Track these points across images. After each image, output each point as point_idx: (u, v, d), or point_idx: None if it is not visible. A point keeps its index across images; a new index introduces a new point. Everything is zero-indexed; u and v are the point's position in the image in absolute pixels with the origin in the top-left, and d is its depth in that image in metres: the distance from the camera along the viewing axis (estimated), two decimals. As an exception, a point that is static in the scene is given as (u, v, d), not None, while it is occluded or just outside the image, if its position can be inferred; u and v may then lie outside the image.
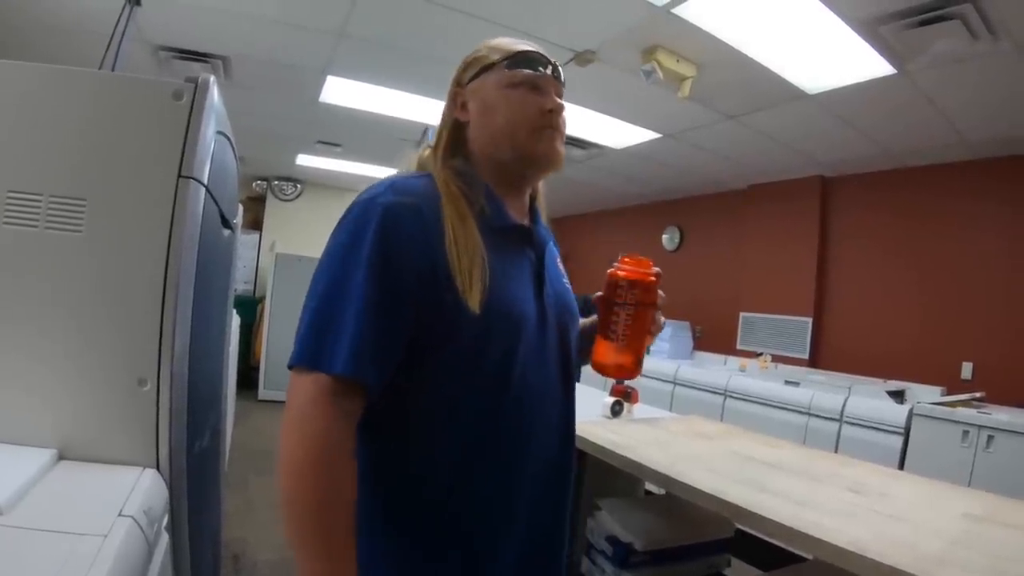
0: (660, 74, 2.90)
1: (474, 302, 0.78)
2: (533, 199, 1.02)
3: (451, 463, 0.82)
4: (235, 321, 4.16)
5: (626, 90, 3.42)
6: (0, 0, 2.87)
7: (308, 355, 0.74)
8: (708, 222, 5.88)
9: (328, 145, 5.52)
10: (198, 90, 1.07)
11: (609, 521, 1.81)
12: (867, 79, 2.91)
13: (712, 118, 3.78)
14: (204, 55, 3.36)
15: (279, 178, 7.43)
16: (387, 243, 0.77)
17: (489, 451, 0.83)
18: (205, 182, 1.12)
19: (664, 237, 6.28)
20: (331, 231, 0.83)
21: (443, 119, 0.98)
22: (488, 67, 0.93)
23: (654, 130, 4.18)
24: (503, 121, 0.90)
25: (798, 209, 4.82)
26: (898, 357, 4.11)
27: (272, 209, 7.57)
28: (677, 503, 1.37)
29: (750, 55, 2.84)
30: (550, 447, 0.90)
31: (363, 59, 3.40)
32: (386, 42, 3.14)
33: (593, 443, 1.83)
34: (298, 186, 7.55)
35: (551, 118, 0.91)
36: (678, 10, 2.50)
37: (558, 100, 0.93)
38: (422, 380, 0.81)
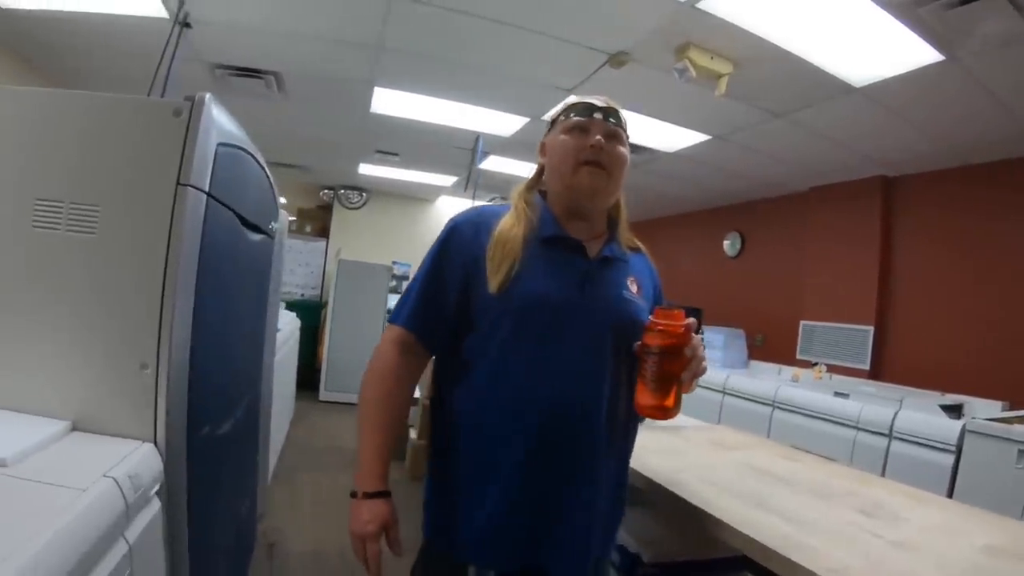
0: (693, 72, 2.87)
1: (493, 286, 1.07)
2: (616, 223, 1.26)
3: (467, 410, 1.12)
4: (294, 323, 4.40)
5: (666, 91, 3.39)
6: (63, 33, 3.20)
7: (392, 314, 1.19)
8: (769, 227, 5.70)
9: (386, 154, 5.73)
10: (195, 107, 1.19)
11: (619, 531, 1.81)
12: (915, 67, 2.76)
13: (758, 117, 3.69)
14: (258, 71, 3.60)
15: (345, 187, 7.73)
16: (447, 245, 1.15)
17: (494, 403, 1.09)
18: (206, 189, 1.24)
19: (725, 243, 6.14)
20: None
21: (537, 166, 1.28)
22: (555, 121, 1.22)
23: (702, 131, 4.12)
24: (556, 161, 1.18)
25: (860, 211, 4.62)
26: (962, 368, 3.85)
27: (339, 217, 7.88)
28: (696, 515, 1.36)
29: (787, 48, 2.77)
30: (564, 406, 1.08)
31: (405, 70, 3.54)
32: (423, 52, 3.26)
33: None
34: (363, 194, 7.83)
35: (591, 153, 1.13)
36: (702, 5, 2.48)
37: (599, 138, 1.13)
38: (465, 346, 1.13)
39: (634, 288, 1.21)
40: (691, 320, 1.06)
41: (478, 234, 1.13)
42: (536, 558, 1.09)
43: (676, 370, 1.04)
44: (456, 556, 1.10)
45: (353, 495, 1.10)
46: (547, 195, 1.23)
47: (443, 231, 1.18)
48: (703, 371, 1.08)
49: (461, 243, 1.14)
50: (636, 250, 1.31)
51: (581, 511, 1.10)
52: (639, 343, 1.07)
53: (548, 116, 1.30)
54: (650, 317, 1.07)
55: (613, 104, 1.20)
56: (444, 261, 1.14)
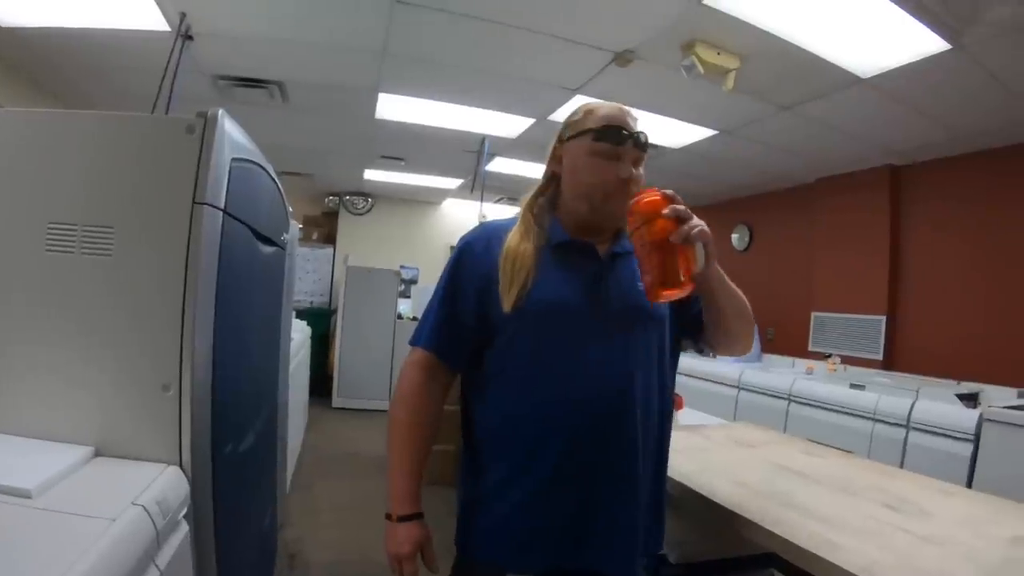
0: (700, 68, 2.85)
1: (507, 304, 1.08)
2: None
3: (495, 423, 1.14)
4: (304, 332, 4.40)
5: (673, 88, 3.38)
6: (64, 49, 3.20)
7: (412, 336, 1.20)
8: (777, 219, 5.67)
9: (391, 160, 5.73)
10: (208, 123, 1.18)
11: (644, 532, 1.80)
12: (921, 56, 2.74)
13: (766, 111, 3.67)
14: (260, 81, 3.60)
15: (350, 193, 7.74)
16: (459, 265, 1.17)
17: (522, 415, 1.10)
18: (222, 206, 1.23)
19: (734, 237, 6.11)
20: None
21: (546, 167, 1.24)
22: (582, 133, 1.15)
23: (709, 127, 4.11)
24: (585, 185, 1.14)
25: (868, 201, 4.59)
26: (976, 356, 3.82)
27: (345, 223, 7.90)
28: (721, 514, 1.35)
29: (793, 41, 2.75)
30: (594, 406, 1.08)
31: (409, 75, 3.53)
32: (427, 57, 3.25)
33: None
34: (369, 200, 7.84)
35: (625, 186, 1.11)
36: (708, 1, 2.47)
37: (634, 170, 1.12)
38: (486, 361, 1.15)
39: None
40: (666, 192, 1.02)
41: (489, 251, 1.14)
42: (580, 560, 1.08)
43: (662, 237, 0.98)
44: (493, 563, 1.11)
45: (388, 517, 1.13)
46: (559, 204, 1.21)
47: (455, 251, 1.20)
48: (698, 232, 1.00)
49: (473, 262, 1.15)
50: None
51: (623, 509, 1.10)
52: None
53: (564, 118, 1.22)
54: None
55: (636, 120, 1.17)
56: (457, 281, 1.16)
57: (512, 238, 1.14)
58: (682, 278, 0.98)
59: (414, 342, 1.18)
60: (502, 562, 1.10)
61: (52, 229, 1.15)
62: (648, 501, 1.16)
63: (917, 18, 2.43)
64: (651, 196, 1.01)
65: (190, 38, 2.39)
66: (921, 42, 2.62)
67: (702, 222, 1.01)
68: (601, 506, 1.08)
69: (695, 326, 1.22)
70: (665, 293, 0.99)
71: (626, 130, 1.12)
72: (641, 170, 1.16)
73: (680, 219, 0.99)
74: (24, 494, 0.89)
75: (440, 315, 1.16)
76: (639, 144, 1.13)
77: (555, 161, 1.21)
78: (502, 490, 1.11)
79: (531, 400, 1.09)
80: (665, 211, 0.99)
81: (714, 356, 1.19)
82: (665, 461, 1.25)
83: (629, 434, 1.10)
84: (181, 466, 1.14)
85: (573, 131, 1.17)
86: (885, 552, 1.10)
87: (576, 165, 1.16)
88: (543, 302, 1.09)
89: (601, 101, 1.23)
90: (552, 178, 1.22)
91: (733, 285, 1.14)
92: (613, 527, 1.09)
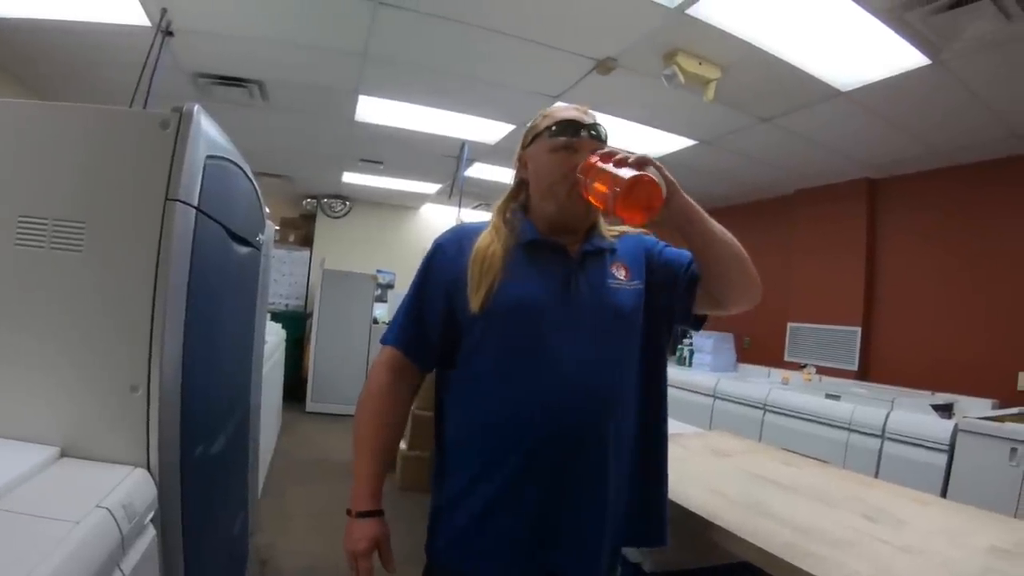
0: (681, 78, 2.88)
1: (475, 305, 1.08)
2: (596, 223, 1.22)
3: (464, 425, 1.14)
4: (279, 335, 4.34)
5: (654, 97, 3.40)
6: (40, 41, 3.14)
7: (384, 334, 1.21)
8: (756, 230, 5.71)
9: (370, 163, 5.69)
10: (183, 119, 1.15)
11: (620, 540, 1.79)
12: (900, 71, 2.79)
13: (746, 122, 3.71)
14: (240, 80, 3.55)
15: (328, 196, 7.67)
16: (431, 265, 1.18)
17: (491, 418, 1.09)
18: (195, 203, 1.20)
19: (711, 246, 6.15)
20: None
21: (514, 175, 1.26)
22: (539, 135, 1.18)
23: (689, 137, 4.14)
24: (546, 183, 1.15)
25: (845, 213, 4.66)
26: (950, 367, 3.89)
27: (322, 226, 7.82)
28: (697, 523, 1.35)
29: (774, 53, 2.79)
30: (561, 407, 1.06)
31: (390, 78, 3.51)
32: (410, 60, 3.23)
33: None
34: (347, 203, 7.77)
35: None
36: (692, 11, 2.48)
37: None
38: (458, 360, 1.14)
39: (621, 274, 1.18)
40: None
41: (460, 253, 1.15)
42: (545, 563, 1.08)
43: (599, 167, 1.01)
44: (457, 571, 1.12)
45: (348, 513, 1.13)
46: (529, 209, 1.21)
47: (428, 251, 1.21)
48: (635, 158, 1.00)
49: (443, 262, 1.16)
50: (621, 236, 1.26)
51: (588, 511, 1.09)
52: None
53: (526, 125, 1.25)
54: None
55: (593, 117, 1.18)
56: (428, 281, 1.17)
57: (482, 239, 1.14)
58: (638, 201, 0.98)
59: (384, 340, 1.20)
60: (465, 570, 1.10)
61: (22, 223, 1.11)
62: (630, 498, 1.16)
63: (898, 33, 2.48)
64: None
65: (170, 34, 2.35)
66: (901, 57, 2.67)
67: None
68: (566, 507, 1.07)
69: (691, 290, 1.17)
70: (624, 211, 0.97)
71: (580, 122, 1.14)
72: None
73: (611, 155, 1.02)
74: (-15, 495, 0.86)
75: (410, 314, 1.18)
76: (596, 136, 1.14)
77: (522, 168, 1.23)
78: (465, 496, 1.10)
79: (497, 402, 1.09)
80: (593, 158, 1.04)
81: (728, 311, 1.17)
82: (656, 456, 1.22)
83: (598, 434, 1.09)
84: (149, 469, 1.11)
85: (533, 135, 1.20)
86: (863, 562, 1.11)
87: (539, 166, 1.18)
88: (510, 301, 1.09)
89: (562, 104, 1.25)
90: (521, 184, 1.24)
91: (716, 224, 1.10)
92: (578, 529, 1.08)
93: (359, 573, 1.10)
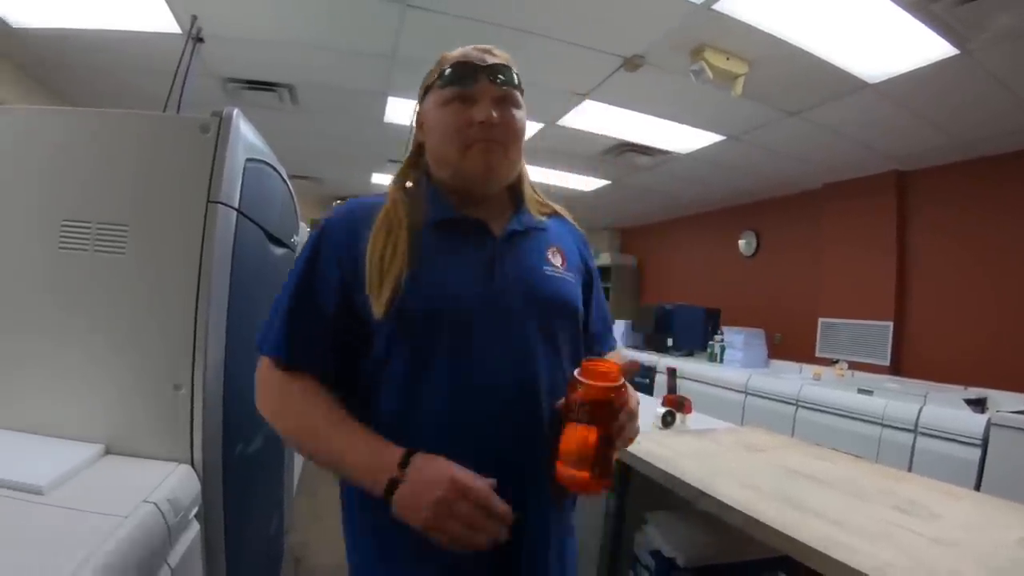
0: (709, 73, 2.85)
1: (378, 309, 0.82)
2: (520, 194, 1.01)
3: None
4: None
5: (681, 93, 3.38)
6: (72, 51, 3.22)
7: (258, 340, 0.90)
8: (785, 225, 5.66)
9: (399, 164, 5.71)
10: (223, 123, 1.18)
11: (655, 535, 1.79)
12: (928, 63, 2.74)
13: (773, 116, 3.66)
14: (270, 84, 3.60)
15: (357, 197, 7.71)
16: (317, 252, 0.89)
17: (410, 437, 0.81)
18: (236, 206, 1.23)
19: (741, 242, 6.09)
20: None
21: (412, 139, 1.01)
22: (429, 87, 0.95)
23: (717, 132, 4.10)
24: (437, 143, 0.92)
25: (874, 207, 4.57)
26: (983, 361, 3.79)
27: (350, 227, 7.84)
28: (731, 517, 1.34)
29: (801, 47, 2.75)
30: (491, 424, 0.84)
31: (419, 78, 3.49)
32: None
33: (631, 453, 1.82)
34: (376, 205, 7.80)
35: (481, 131, 0.88)
36: (718, 6, 2.47)
37: (491, 112, 0.88)
38: (362, 370, 0.88)
39: (557, 260, 0.97)
40: (630, 363, 0.84)
41: (355, 237, 0.87)
42: None
43: (610, 431, 0.80)
44: None
45: (392, 487, 0.76)
46: (431, 178, 0.97)
47: (312, 235, 0.93)
48: (635, 435, 0.87)
49: (335, 247, 0.89)
50: (553, 215, 1.06)
51: (533, 535, 0.88)
52: (562, 402, 0.84)
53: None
54: (575, 374, 0.83)
55: (499, 56, 0.94)
56: (315, 273, 0.88)
57: (380, 222, 0.88)
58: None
59: (260, 347, 0.90)
60: None
61: (66, 227, 1.16)
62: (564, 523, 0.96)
63: (924, 23, 2.44)
64: (615, 376, 0.81)
65: (201, 40, 2.39)
66: (928, 47, 2.63)
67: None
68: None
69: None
70: (591, 489, 0.80)
71: (475, 64, 0.90)
72: (517, 113, 0.93)
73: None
74: (35, 491, 0.90)
75: (292, 314, 0.87)
76: (497, 79, 0.90)
77: (419, 129, 0.99)
78: (386, 551, 0.86)
79: (420, 422, 0.84)
80: (623, 415, 0.82)
81: None
82: None
83: (533, 444, 0.85)
84: (192, 465, 1.14)
85: (423, 88, 0.97)
86: (896, 553, 1.10)
87: (430, 125, 0.94)
88: (423, 299, 0.84)
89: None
90: (419, 151, 0.99)
91: None
92: (525, 554, 0.88)
93: (481, 497, 0.75)
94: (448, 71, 0.91)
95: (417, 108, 1.00)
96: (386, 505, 0.76)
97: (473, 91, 0.89)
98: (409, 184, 0.97)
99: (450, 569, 0.81)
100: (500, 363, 0.85)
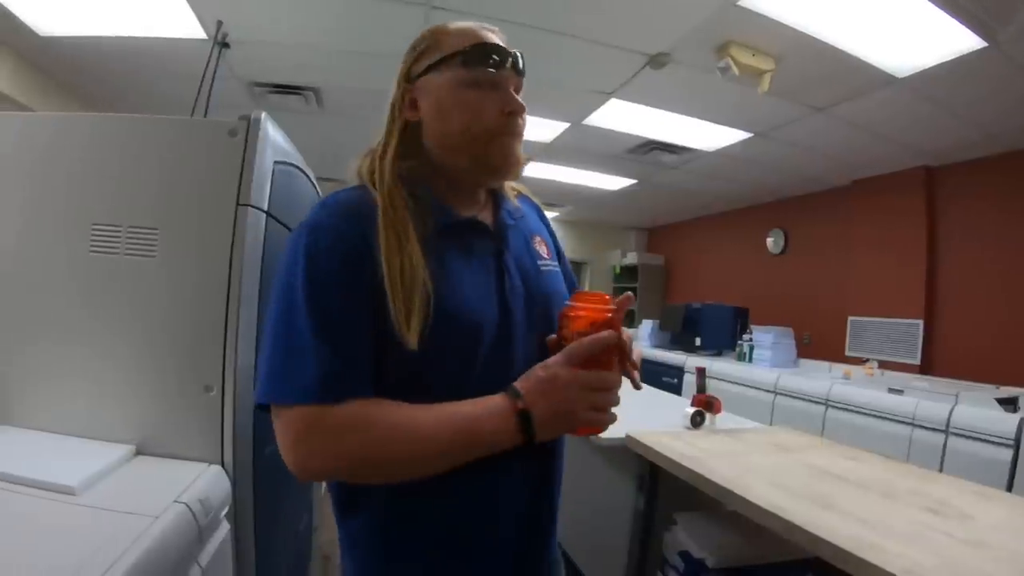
0: (735, 70, 2.82)
1: (411, 339, 0.70)
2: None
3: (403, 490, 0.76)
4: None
5: (707, 90, 3.35)
6: (99, 57, 3.28)
7: (277, 391, 0.69)
8: (813, 222, 5.57)
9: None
10: (251, 126, 1.19)
11: (684, 536, 1.79)
12: (957, 55, 2.68)
13: (800, 112, 3.61)
14: (296, 88, 3.63)
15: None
16: (318, 268, 0.72)
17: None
18: (265, 208, 1.24)
19: (768, 241, 6.02)
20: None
21: (390, 118, 0.87)
22: (442, 60, 0.83)
23: (743, 129, 4.05)
24: (460, 127, 0.81)
25: (904, 203, 4.48)
26: (1015, 360, 3.68)
27: (375, 230, 7.90)
28: (765, 519, 1.34)
29: (828, 41, 2.70)
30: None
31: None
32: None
33: (659, 453, 1.81)
34: (399, 206, 7.85)
35: (511, 122, 0.82)
36: (743, 2, 2.44)
37: (519, 100, 0.83)
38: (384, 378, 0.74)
39: (543, 251, 0.94)
40: (624, 297, 0.79)
41: (367, 243, 0.73)
42: None
43: (608, 363, 0.76)
44: None
45: (523, 415, 0.71)
46: (426, 163, 0.86)
47: (304, 246, 0.73)
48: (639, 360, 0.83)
49: (346, 252, 0.73)
50: (519, 195, 1.00)
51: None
52: (552, 337, 0.82)
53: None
54: (568, 303, 0.80)
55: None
56: (328, 288, 0.72)
57: (388, 236, 0.73)
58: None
59: (286, 398, 0.69)
60: None
61: (96, 230, 1.18)
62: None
63: (952, 15, 2.39)
64: (607, 304, 0.78)
65: (227, 45, 2.43)
66: (956, 40, 2.57)
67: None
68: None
69: None
70: (596, 428, 0.77)
71: (502, 49, 0.83)
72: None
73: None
74: (68, 491, 0.91)
75: (324, 343, 0.69)
76: (518, 68, 0.85)
77: (408, 107, 0.86)
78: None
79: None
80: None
81: None
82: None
83: (552, 458, 0.87)
84: (223, 465, 1.15)
85: (430, 60, 0.84)
86: (927, 555, 1.09)
87: (444, 105, 0.82)
88: (449, 324, 0.74)
89: (451, 23, 0.88)
90: (404, 130, 0.86)
91: None
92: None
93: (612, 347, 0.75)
94: (473, 50, 0.82)
95: (401, 83, 0.86)
96: (532, 440, 0.71)
97: (501, 77, 0.82)
98: (404, 176, 0.83)
99: None
100: (516, 372, 0.76)
